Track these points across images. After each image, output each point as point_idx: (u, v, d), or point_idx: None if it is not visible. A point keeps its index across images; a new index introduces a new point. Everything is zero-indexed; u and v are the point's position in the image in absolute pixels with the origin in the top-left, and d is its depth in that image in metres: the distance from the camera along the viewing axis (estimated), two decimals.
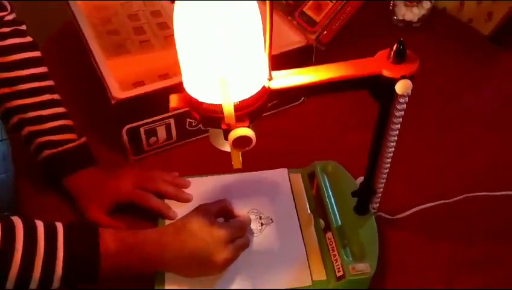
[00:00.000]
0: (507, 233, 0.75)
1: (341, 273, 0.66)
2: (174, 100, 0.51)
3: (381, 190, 0.70)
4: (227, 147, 0.54)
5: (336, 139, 0.88)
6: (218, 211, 0.67)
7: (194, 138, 0.86)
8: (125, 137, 0.78)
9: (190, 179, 0.78)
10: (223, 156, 0.82)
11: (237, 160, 0.52)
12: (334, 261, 0.68)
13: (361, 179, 0.70)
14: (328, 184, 0.77)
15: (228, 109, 0.46)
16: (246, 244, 0.67)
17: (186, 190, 0.76)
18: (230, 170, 0.79)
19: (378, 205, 0.72)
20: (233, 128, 0.47)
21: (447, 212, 0.76)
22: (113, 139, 0.80)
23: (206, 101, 0.48)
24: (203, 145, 0.86)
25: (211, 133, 0.56)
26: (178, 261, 0.62)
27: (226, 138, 0.49)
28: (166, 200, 0.75)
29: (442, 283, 0.69)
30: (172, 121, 0.80)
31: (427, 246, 0.73)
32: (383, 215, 0.74)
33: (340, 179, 0.77)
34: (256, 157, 0.82)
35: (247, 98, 0.48)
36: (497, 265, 0.71)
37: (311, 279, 0.67)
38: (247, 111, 0.48)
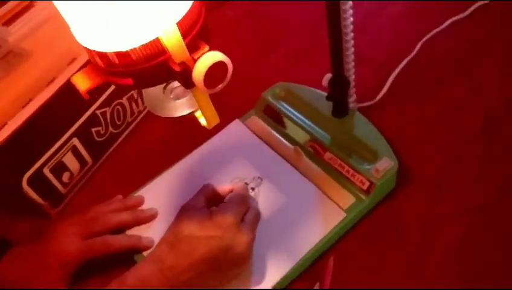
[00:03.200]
0: (473, 59, 0.69)
1: (367, 183, 0.55)
2: (81, 81, 0.33)
3: (353, 76, 0.59)
4: (181, 109, 0.38)
5: (260, 64, 0.75)
6: (207, 201, 0.52)
7: (112, 148, 0.67)
8: (30, 191, 0.56)
9: (140, 192, 0.60)
10: (162, 147, 0.66)
11: (210, 112, 0.36)
12: (352, 177, 0.56)
13: (327, 77, 0.58)
14: (290, 108, 0.64)
15: (174, 38, 0.30)
16: (258, 214, 0.52)
17: (143, 206, 0.59)
18: (179, 156, 0.64)
19: (355, 96, 0.61)
20: (194, 63, 0.31)
21: (414, 66, 0.68)
22: (16, 202, 0.58)
23: (134, 46, 0.31)
24: (128, 151, 0.68)
25: (149, 102, 0.39)
26: (197, 280, 0.46)
27: (188, 85, 0.33)
28: (128, 232, 0.56)
29: (452, 133, 0.62)
30: (76, 141, 0.60)
31: (423, 106, 0.65)
32: (364, 104, 0.64)
33: (298, 95, 0.65)
34: (193, 130, 0.67)
35: (186, 13, 0.32)
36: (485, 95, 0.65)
37: (342, 209, 0.55)
38: (198, 30, 0.32)
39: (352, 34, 0.53)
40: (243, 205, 0.51)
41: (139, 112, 0.69)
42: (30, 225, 0.60)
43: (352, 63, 0.57)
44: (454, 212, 0.55)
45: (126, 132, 0.68)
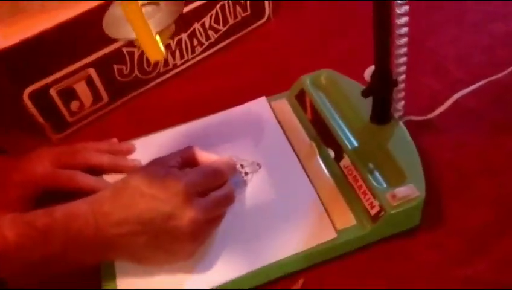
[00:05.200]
0: None
1: (376, 209, 0.43)
2: None
3: (403, 77, 0.47)
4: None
5: (320, 52, 0.66)
6: (183, 163, 0.45)
7: (133, 93, 0.63)
8: (31, 106, 0.55)
9: (135, 142, 0.55)
10: (187, 107, 0.61)
11: (149, 41, 0.29)
12: (363, 196, 0.45)
13: (370, 69, 0.47)
14: (325, 99, 0.54)
15: None
16: (229, 197, 0.44)
17: (132, 156, 0.54)
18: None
19: (403, 102, 0.49)
20: None
21: (496, 91, 0.54)
22: (16, 114, 0.57)
23: None
24: (151, 102, 0.63)
25: (107, 22, 0.34)
26: (126, 239, 0.40)
27: None
28: (105, 177, 0.52)
29: None
30: (92, 71, 0.57)
31: (490, 142, 0.50)
32: (412, 118, 0.52)
33: (341, 88, 0.55)
34: (226, 97, 0.60)
35: None
36: None
37: (335, 229, 0.44)
38: None
39: (407, 17, 0.42)
40: (212, 178, 0.43)
41: (174, 66, 0.65)
42: (28, 145, 0.58)
43: (405, 58, 0.45)
44: (482, 284, 0.41)
45: (154, 82, 0.64)
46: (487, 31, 0.63)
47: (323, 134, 0.52)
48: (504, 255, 0.43)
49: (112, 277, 0.44)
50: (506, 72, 0.53)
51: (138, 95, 0.63)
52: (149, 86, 0.64)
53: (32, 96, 0.54)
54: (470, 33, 0.63)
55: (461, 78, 0.57)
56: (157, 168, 0.42)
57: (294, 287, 0.42)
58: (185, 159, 0.46)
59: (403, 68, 0.46)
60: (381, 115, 0.49)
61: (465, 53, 0.61)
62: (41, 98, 0.55)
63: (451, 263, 0.43)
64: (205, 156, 0.47)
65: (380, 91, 0.47)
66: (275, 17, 0.71)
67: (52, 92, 0.55)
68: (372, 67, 0.47)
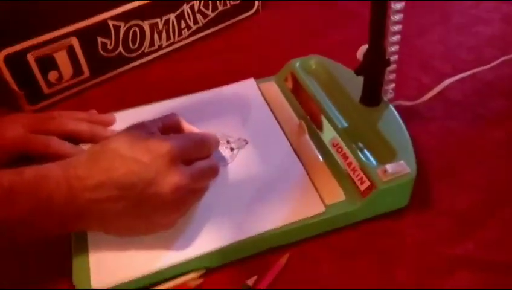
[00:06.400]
0: None
1: (366, 184, 0.42)
2: None
3: (396, 57, 0.47)
4: None
5: (308, 44, 0.65)
6: (164, 130, 0.43)
7: (116, 71, 0.61)
8: (5, 71, 0.52)
9: (117, 114, 0.53)
10: (171, 88, 0.59)
11: None
12: (352, 172, 0.44)
13: (363, 48, 0.47)
14: (315, 82, 0.54)
15: None
16: (213, 170, 0.41)
17: (112, 128, 0.51)
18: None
19: (394, 85, 0.49)
20: None
21: (482, 82, 0.54)
22: None
23: None
24: (134, 81, 0.61)
25: None
26: (101, 206, 0.36)
27: None
28: (83, 146, 0.49)
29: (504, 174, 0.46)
30: (75, 41, 0.55)
31: (467, 133, 0.51)
32: (401, 103, 0.51)
33: (331, 73, 0.54)
34: (211, 81, 0.58)
35: None
36: None
37: (324, 204, 0.42)
38: None
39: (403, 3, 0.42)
40: (200, 146, 0.41)
41: (160, 47, 0.63)
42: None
43: (399, 36, 0.45)
44: (470, 262, 0.40)
45: (138, 62, 0.62)
46: (472, 32, 0.64)
47: (312, 115, 0.51)
48: (491, 235, 0.42)
49: (84, 249, 0.40)
50: (491, 64, 0.54)
51: (121, 73, 0.61)
52: (132, 64, 0.62)
53: (8, 59, 0.51)
54: (456, 34, 0.65)
55: (448, 72, 0.57)
56: (139, 131, 0.40)
57: (280, 262, 0.40)
58: (167, 126, 0.43)
59: (395, 47, 0.46)
60: (372, 95, 0.49)
61: (451, 51, 0.61)
62: (17, 63, 0.52)
63: (440, 242, 0.42)
64: (188, 127, 0.45)
65: (373, 69, 0.46)
66: (264, 9, 0.71)
67: (30, 58, 0.53)
68: (365, 46, 0.46)
